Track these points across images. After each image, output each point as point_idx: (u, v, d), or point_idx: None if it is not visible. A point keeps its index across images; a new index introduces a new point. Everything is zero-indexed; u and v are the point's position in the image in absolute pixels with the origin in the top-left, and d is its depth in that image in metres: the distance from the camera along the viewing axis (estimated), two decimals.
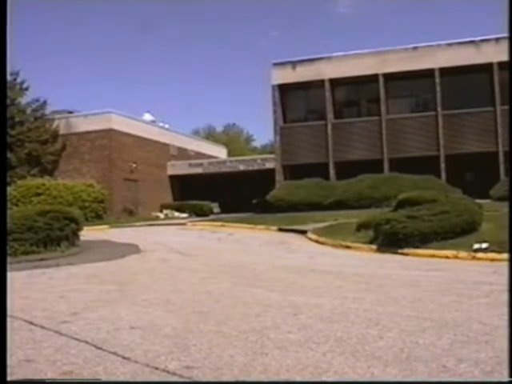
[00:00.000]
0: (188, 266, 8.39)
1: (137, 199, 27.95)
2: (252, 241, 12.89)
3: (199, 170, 30.84)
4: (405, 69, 23.03)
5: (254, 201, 24.87)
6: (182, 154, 32.43)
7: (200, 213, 27.12)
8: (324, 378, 3.02)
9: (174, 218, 25.69)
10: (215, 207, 29.58)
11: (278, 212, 20.33)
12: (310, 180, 22.71)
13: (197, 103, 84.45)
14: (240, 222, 17.92)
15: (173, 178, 31.17)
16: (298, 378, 3.03)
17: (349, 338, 3.81)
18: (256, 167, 29.54)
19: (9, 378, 2.95)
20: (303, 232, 13.75)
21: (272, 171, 25.61)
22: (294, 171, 24.60)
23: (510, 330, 3.52)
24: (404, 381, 3.05)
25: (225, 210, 28.43)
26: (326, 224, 14.56)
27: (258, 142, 67.14)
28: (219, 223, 18.44)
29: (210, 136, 56.23)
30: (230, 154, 43.88)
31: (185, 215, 26.61)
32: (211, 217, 24.65)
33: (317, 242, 12.06)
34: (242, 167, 30.07)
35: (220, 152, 39.20)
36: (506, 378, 2.95)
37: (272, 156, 27.58)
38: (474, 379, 2.96)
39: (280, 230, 15.32)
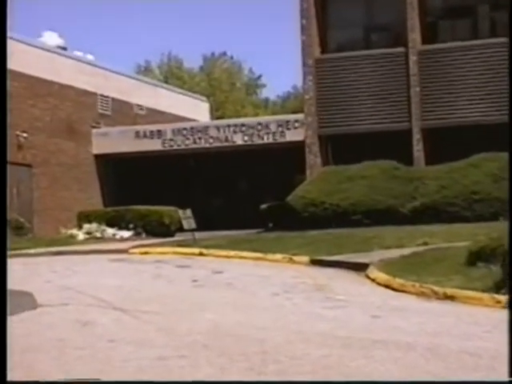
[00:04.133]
0: (131, 336, 8.43)
1: (30, 203, 28.11)
2: (259, 284, 13.00)
3: (156, 146, 30.97)
4: None
5: (264, 206, 24.93)
6: (122, 112, 32.65)
7: (156, 229, 27.18)
8: None
9: (104, 238, 25.80)
10: (187, 218, 29.57)
11: (309, 227, 20.41)
12: (373, 164, 22.80)
13: (146, 15, 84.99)
14: (236, 246, 18.09)
15: (103, 159, 31.38)
16: None
17: None
18: (268, 139, 29.61)
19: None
20: (360, 267, 13.92)
21: (299, 147, 25.73)
22: (342, 147, 24.65)
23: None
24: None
25: (206, 223, 28.47)
26: (405, 251, 14.70)
27: (271, 91, 67.46)
28: (195, 250, 18.60)
29: (174, 77, 56.21)
30: (215, 113, 44.01)
31: (127, 234, 26.71)
32: (179, 236, 24.73)
33: (387, 286, 12.17)
34: (239, 139, 30.15)
35: (196, 109, 39.34)
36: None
37: (299, 117, 27.64)
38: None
39: (314, 262, 15.50)
